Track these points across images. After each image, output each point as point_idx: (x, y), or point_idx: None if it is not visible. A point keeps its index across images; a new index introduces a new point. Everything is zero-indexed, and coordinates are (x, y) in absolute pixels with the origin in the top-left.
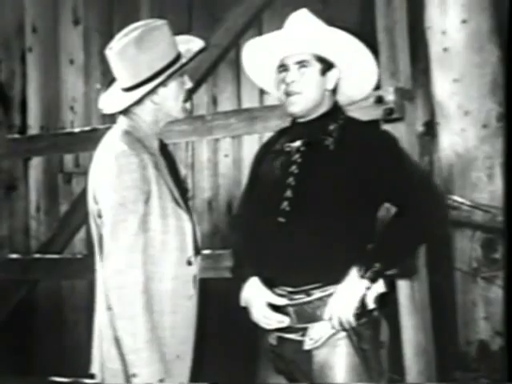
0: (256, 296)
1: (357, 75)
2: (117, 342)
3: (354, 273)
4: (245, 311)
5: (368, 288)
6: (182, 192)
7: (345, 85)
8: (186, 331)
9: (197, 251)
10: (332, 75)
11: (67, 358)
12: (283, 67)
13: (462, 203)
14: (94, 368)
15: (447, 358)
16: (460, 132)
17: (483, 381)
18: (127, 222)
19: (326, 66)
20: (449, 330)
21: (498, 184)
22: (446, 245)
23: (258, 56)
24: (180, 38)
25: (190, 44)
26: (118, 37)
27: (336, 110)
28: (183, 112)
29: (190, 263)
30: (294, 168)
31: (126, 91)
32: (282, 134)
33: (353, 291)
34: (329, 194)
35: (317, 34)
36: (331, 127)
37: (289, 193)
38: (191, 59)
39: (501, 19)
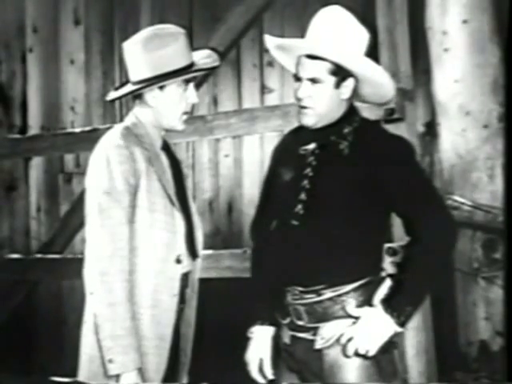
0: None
1: (374, 80)
2: (96, 327)
3: (381, 311)
4: (244, 311)
5: (398, 332)
6: (182, 192)
7: (364, 90)
8: (164, 328)
9: (193, 252)
10: (347, 85)
11: (67, 358)
12: (297, 76)
13: (462, 203)
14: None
15: (448, 358)
16: (461, 132)
17: (484, 381)
18: (113, 211)
19: (341, 77)
20: (449, 331)
21: (499, 184)
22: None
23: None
24: (200, 53)
25: (205, 59)
26: (140, 33)
27: (351, 113)
28: (179, 123)
29: (179, 261)
30: (308, 171)
31: (133, 84)
32: (296, 134)
33: (382, 331)
34: (342, 198)
35: (336, 43)
36: (346, 130)
37: (303, 195)
38: (195, 71)
39: (502, 19)
